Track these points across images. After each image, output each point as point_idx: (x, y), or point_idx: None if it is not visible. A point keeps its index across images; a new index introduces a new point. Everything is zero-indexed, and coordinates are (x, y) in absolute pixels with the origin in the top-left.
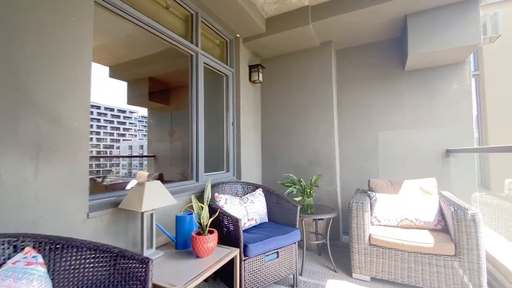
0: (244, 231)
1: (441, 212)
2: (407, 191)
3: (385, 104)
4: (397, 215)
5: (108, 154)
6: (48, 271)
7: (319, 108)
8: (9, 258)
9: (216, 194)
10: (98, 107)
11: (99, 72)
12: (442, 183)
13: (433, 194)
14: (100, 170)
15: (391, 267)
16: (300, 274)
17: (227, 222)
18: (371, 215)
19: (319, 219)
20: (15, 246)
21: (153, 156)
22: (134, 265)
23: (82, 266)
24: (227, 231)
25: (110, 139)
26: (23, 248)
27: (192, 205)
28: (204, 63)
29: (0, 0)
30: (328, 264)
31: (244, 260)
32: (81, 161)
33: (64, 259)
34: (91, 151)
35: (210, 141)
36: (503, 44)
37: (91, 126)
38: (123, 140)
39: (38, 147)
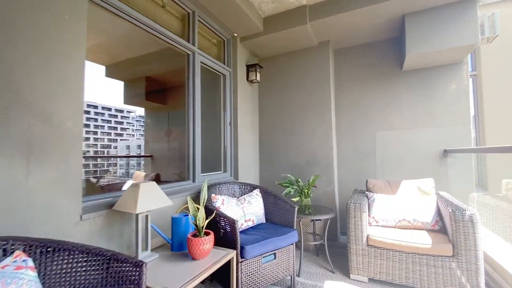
0: (241, 232)
1: (439, 213)
2: (405, 191)
3: (383, 104)
4: (395, 215)
5: (105, 154)
6: (39, 275)
7: (317, 108)
8: None
9: (212, 195)
10: (96, 107)
11: (95, 71)
12: (440, 184)
13: (431, 194)
14: (97, 170)
15: (388, 268)
16: (298, 275)
17: (224, 224)
18: (369, 215)
19: (316, 220)
20: (4, 250)
21: (150, 156)
22: (127, 268)
23: (74, 269)
24: (223, 232)
25: (108, 138)
26: (13, 252)
27: (188, 206)
28: (201, 62)
29: None
30: (325, 265)
31: (241, 262)
32: (74, 161)
33: (55, 262)
34: (88, 151)
35: (207, 141)
36: (500, 45)
37: (88, 125)
38: (121, 139)
39: (30, 148)
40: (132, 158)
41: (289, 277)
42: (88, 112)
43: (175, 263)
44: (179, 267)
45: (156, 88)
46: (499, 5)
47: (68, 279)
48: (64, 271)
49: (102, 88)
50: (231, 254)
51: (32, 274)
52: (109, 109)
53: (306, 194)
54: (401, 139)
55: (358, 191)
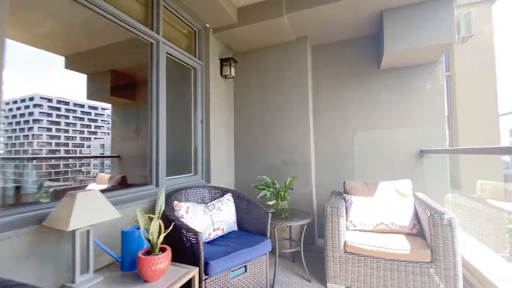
0: (208, 243)
1: (416, 216)
2: (382, 193)
3: (361, 103)
4: (372, 219)
5: (63, 155)
6: None
7: (295, 106)
8: None
9: (175, 202)
10: (67, 103)
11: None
12: (417, 184)
13: (408, 196)
14: (68, 170)
15: (366, 276)
16: (272, 287)
17: (187, 235)
18: (347, 219)
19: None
20: None
21: (117, 156)
22: None
23: None
24: (186, 246)
25: (80, 137)
26: None
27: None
28: (167, 53)
29: None
30: (302, 273)
31: (205, 280)
32: None
33: None
34: (59, 150)
35: (176, 140)
36: (474, 45)
37: (58, 123)
38: (95, 138)
39: None
40: (107, 157)
41: None
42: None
43: (123, 287)
44: None
45: (124, 83)
46: (473, 6)
47: None
48: None
49: (62, 81)
50: (192, 272)
51: None
52: (82, 106)
53: (283, 197)
54: (378, 139)
55: (335, 192)
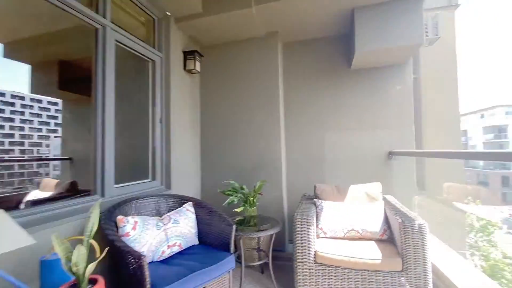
0: (162, 262)
1: (386, 221)
2: (353, 197)
3: (332, 104)
4: (343, 225)
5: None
6: None
7: (265, 105)
8: None
9: (119, 217)
10: (22, 98)
11: None
12: (386, 187)
13: (378, 199)
14: (24, 172)
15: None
16: None
17: (131, 259)
18: (317, 226)
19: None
20: None
21: (69, 158)
22: None
23: None
24: (129, 271)
25: (38, 135)
26: None
27: (70, 239)
28: (117, 41)
29: None
30: (270, 285)
31: None
32: None
33: None
34: (12, 149)
35: (131, 142)
36: (438, 49)
37: (12, 119)
38: (55, 136)
39: None
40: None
41: None
42: (11, 104)
43: None
44: None
45: (75, 76)
46: (438, 10)
47: None
48: None
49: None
50: None
51: None
52: (40, 101)
53: (252, 202)
54: (349, 141)
55: (306, 197)
